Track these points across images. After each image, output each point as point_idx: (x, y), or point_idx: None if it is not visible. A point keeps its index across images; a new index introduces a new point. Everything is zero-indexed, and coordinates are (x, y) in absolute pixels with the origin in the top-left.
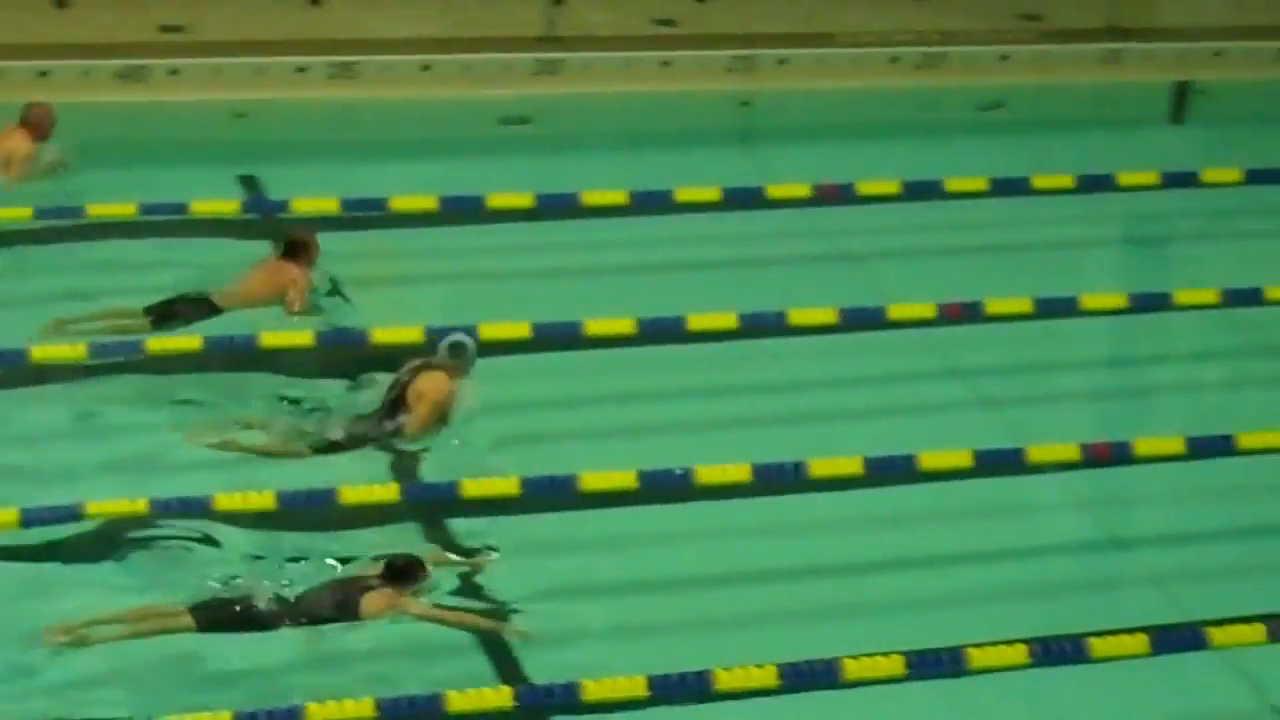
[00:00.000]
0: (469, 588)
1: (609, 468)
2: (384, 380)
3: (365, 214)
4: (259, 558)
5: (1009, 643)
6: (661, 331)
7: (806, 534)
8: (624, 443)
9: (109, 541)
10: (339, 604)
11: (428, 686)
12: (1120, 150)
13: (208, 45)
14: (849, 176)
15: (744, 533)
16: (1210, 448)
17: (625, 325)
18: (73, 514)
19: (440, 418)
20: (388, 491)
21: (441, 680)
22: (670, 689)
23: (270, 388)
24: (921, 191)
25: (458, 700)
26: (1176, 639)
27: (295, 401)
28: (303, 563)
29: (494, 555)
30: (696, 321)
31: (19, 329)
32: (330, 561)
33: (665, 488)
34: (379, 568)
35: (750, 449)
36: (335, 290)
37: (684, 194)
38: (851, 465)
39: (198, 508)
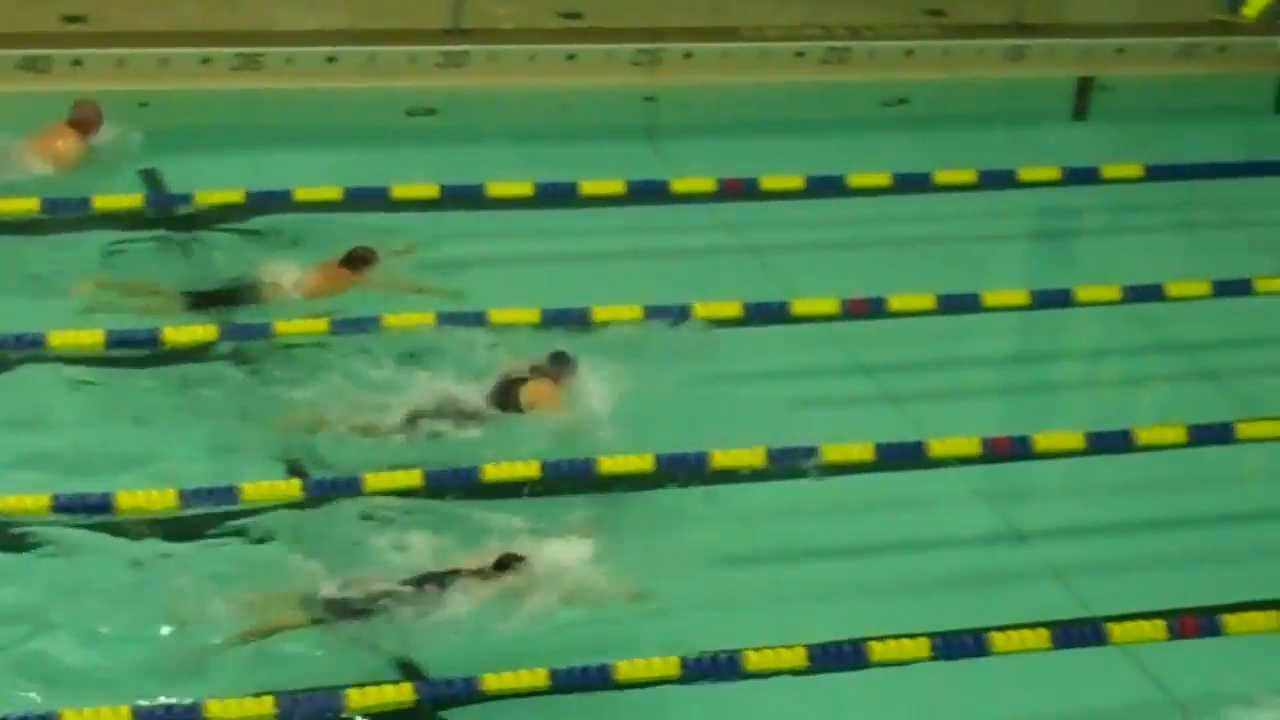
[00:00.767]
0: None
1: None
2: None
3: (270, 204)
4: None
5: (910, 636)
6: (565, 322)
7: (698, 526)
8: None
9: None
10: None
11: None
12: (1023, 146)
13: (111, 36)
14: (754, 171)
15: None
16: (1110, 443)
17: (530, 315)
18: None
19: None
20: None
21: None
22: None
23: None
24: (826, 187)
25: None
26: (1078, 634)
27: None
28: None
29: None
30: (601, 313)
31: None
32: None
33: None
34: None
35: (653, 441)
36: None
37: (589, 187)
38: (754, 457)
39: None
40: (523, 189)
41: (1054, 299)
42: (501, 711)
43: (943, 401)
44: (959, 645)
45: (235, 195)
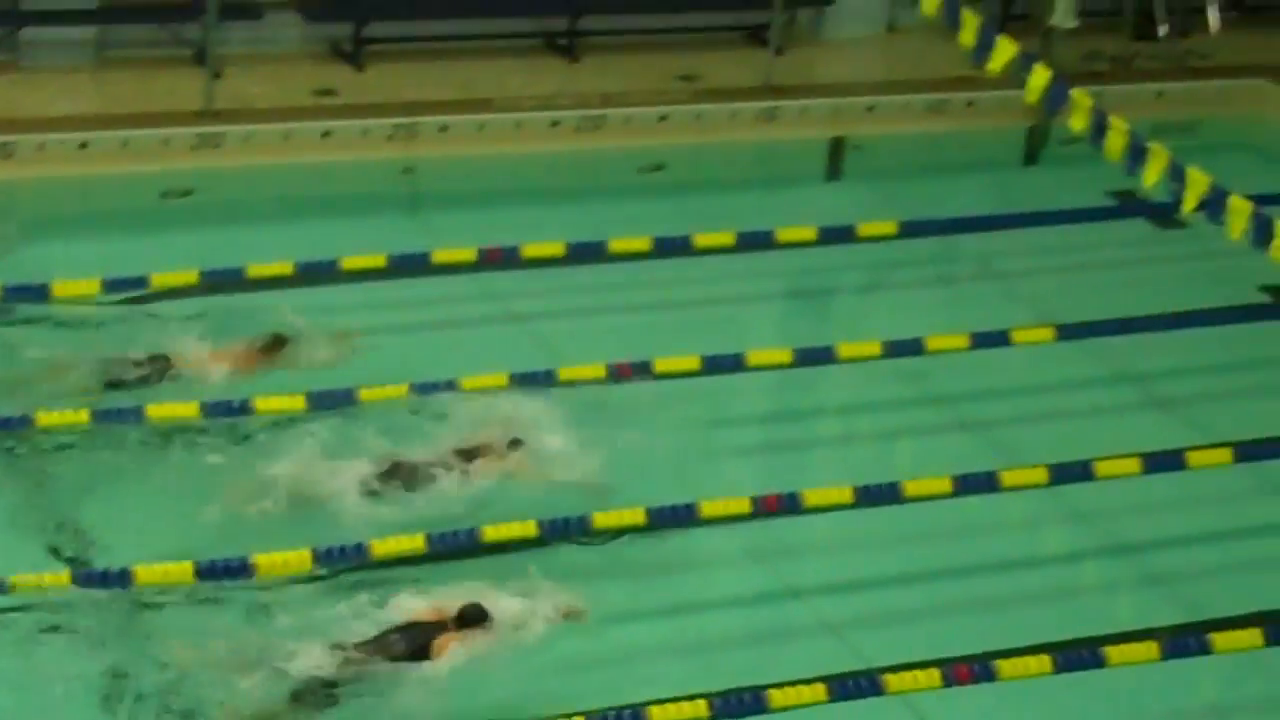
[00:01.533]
0: None
1: None
2: None
3: (28, 299)
4: None
5: (689, 698)
6: (332, 402)
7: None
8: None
9: None
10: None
11: None
12: (779, 207)
13: None
14: (514, 240)
15: None
16: (878, 496)
17: (295, 402)
18: None
19: None
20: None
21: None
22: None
23: None
24: (586, 253)
25: None
26: (854, 686)
27: None
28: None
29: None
30: (367, 394)
31: None
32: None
33: None
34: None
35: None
36: None
37: (350, 262)
38: (526, 529)
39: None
40: (283, 268)
41: (816, 356)
42: None
43: (710, 461)
44: (737, 704)
45: None
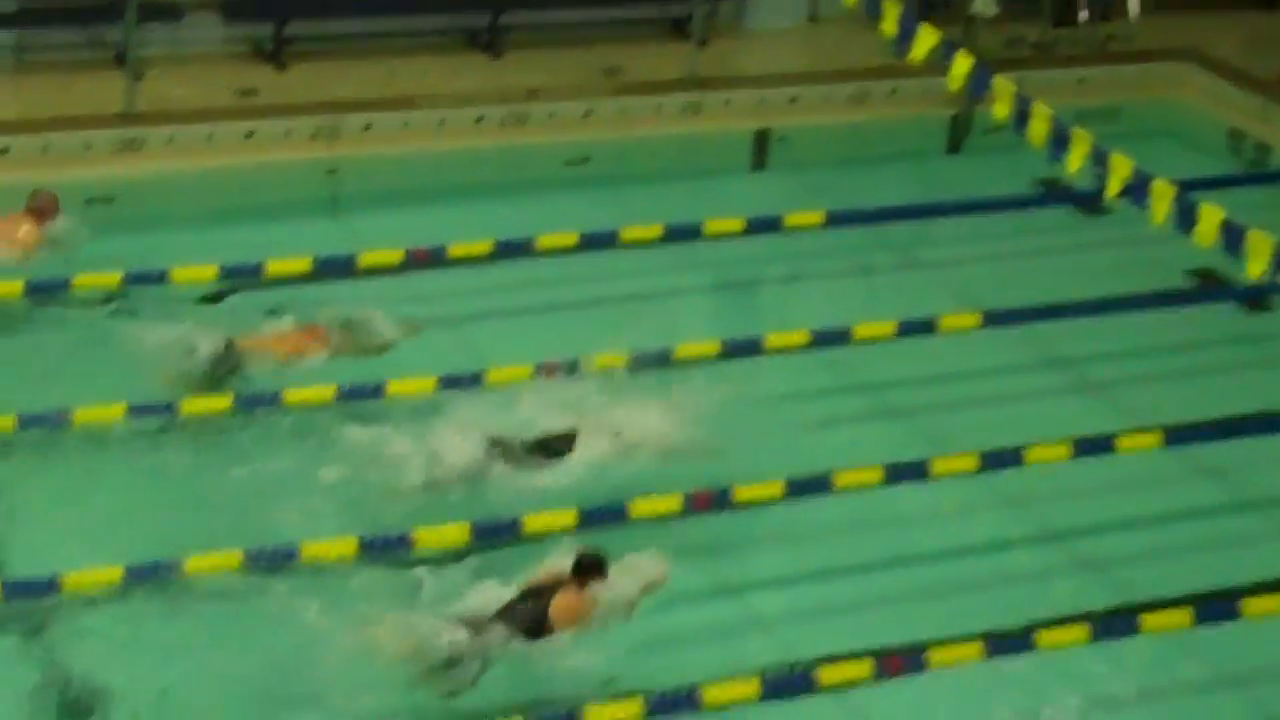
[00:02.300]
0: None
1: None
2: None
3: None
4: None
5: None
6: (259, 404)
7: None
8: None
9: None
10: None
11: None
12: (706, 199)
13: None
14: (440, 239)
15: None
16: (808, 488)
17: (222, 402)
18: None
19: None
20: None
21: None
22: None
23: None
24: (513, 250)
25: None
26: (787, 682)
27: None
28: None
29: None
30: (293, 395)
31: None
32: None
33: None
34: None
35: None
36: None
37: (275, 266)
38: (458, 532)
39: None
40: (207, 272)
41: (744, 347)
42: None
43: (639, 456)
44: (673, 702)
45: None
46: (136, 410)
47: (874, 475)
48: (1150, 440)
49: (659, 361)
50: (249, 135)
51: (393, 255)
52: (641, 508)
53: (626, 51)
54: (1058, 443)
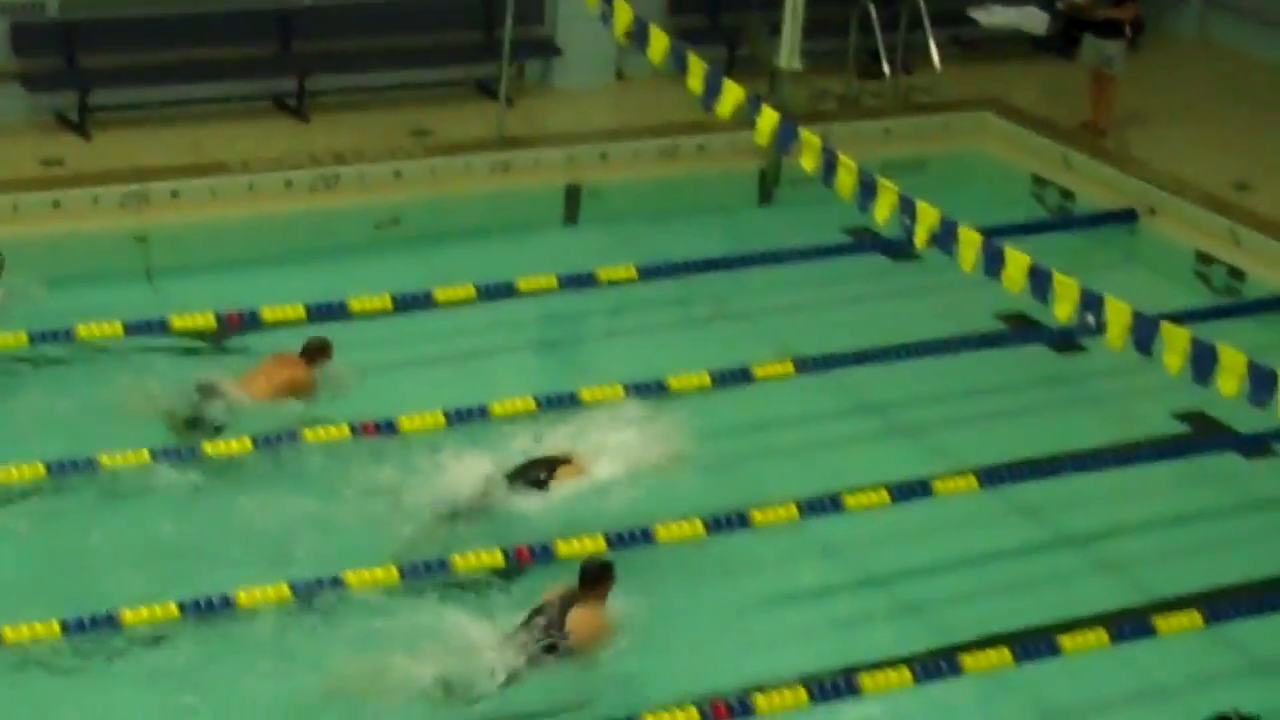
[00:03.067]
0: None
1: None
2: None
3: None
4: None
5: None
6: (71, 472)
7: None
8: None
9: None
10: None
11: None
12: (519, 256)
13: None
14: (253, 303)
15: None
16: (629, 540)
17: (36, 470)
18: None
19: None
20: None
21: None
22: None
23: None
24: (326, 313)
25: None
26: None
27: None
28: None
29: None
30: (108, 459)
31: None
32: None
33: None
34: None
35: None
36: None
37: (85, 330)
38: (279, 591)
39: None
40: (17, 339)
41: (560, 402)
42: None
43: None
44: None
45: None
46: None
47: (695, 529)
48: (966, 483)
49: (477, 417)
50: (56, 204)
51: (204, 319)
52: (463, 563)
53: (435, 113)
54: (875, 488)
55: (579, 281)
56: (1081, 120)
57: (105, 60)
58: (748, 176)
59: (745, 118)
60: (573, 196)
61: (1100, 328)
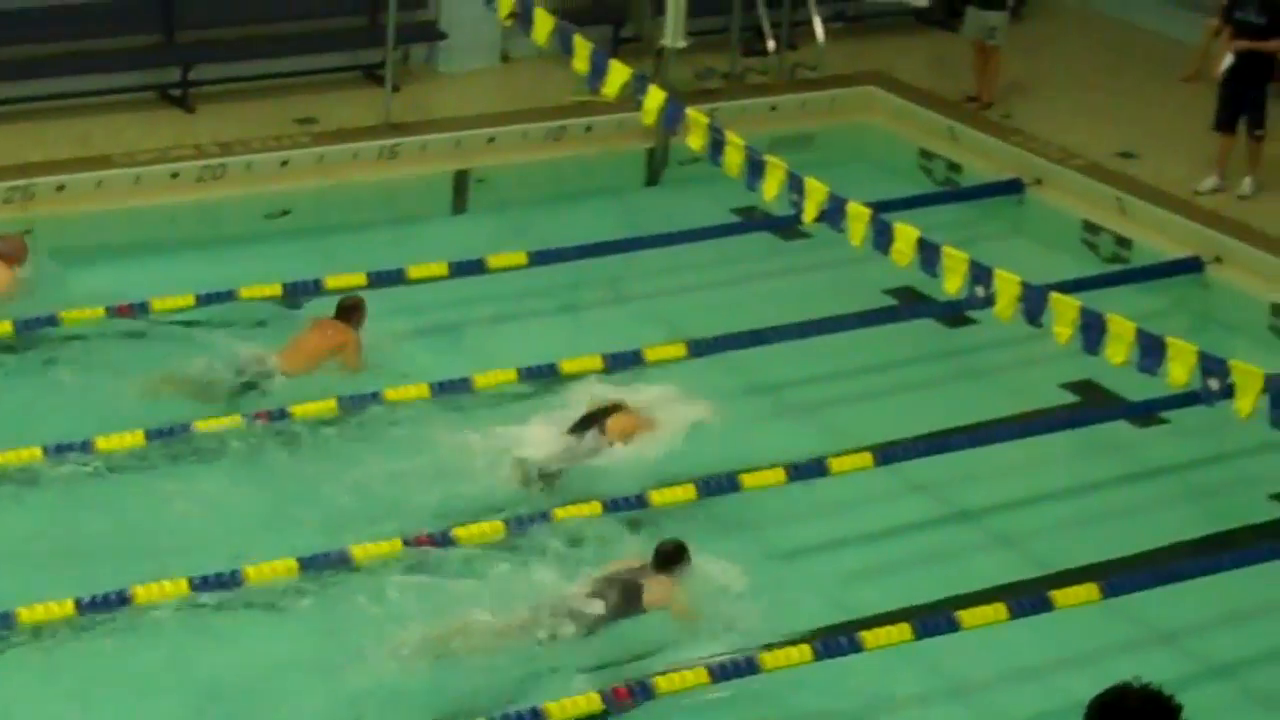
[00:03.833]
0: None
1: None
2: None
3: None
4: None
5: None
6: None
7: None
8: None
9: None
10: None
11: None
12: (408, 244)
13: None
14: (143, 295)
15: None
16: (527, 525)
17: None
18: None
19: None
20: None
21: None
22: None
23: None
24: (214, 300)
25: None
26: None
27: None
28: None
29: None
30: (8, 456)
31: None
32: None
33: None
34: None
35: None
36: None
37: None
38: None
39: None
40: None
41: (453, 388)
42: None
43: (344, 501)
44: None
45: None
46: None
47: (593, 509)
48: (860, 460)
49: (368, 405)
50: None
51: (95, 313)
52: (362, 553)
53: (320, 100)
54: (771, 468)
55: (469, 269)
56: (966, 93)
57: None
58: (636, 158)
59: (631, 98)
60: (461, 183)
61: (990, 300)
